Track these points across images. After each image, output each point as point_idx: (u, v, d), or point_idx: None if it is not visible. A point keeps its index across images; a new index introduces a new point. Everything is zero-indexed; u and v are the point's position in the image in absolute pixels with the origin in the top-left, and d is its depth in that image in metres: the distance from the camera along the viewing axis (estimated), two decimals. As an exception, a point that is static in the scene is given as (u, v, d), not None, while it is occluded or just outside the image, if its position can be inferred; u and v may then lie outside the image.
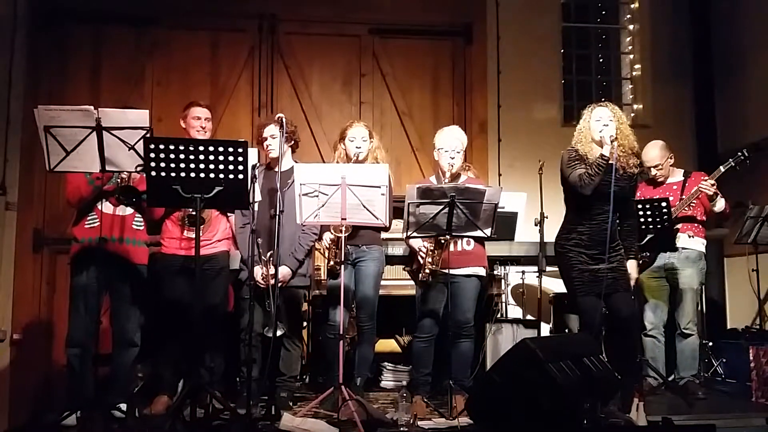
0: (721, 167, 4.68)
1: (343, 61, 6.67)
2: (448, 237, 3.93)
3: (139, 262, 4.04)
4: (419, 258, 4.15)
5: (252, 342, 3.87)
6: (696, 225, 4.76)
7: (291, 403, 4.15)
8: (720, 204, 4.70)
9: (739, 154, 4.65)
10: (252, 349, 3.88)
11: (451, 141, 4.22)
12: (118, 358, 3.96)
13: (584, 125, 3.97)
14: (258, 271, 4.02)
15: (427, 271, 4.05)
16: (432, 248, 4.03)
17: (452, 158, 4.17)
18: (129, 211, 3.99)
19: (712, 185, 4.60)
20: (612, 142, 3.78)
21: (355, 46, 6.67)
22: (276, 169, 4.02)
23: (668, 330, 4.78)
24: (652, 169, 4.75)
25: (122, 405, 3.81)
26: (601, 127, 3.87)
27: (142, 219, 4.06)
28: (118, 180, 3.85)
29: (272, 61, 6.51)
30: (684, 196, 4.70)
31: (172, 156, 3.40)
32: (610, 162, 3.77)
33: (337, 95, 6.65)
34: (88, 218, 3.95)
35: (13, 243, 5.96)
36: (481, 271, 4.25)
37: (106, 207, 3.92)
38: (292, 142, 4.32)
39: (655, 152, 4.76)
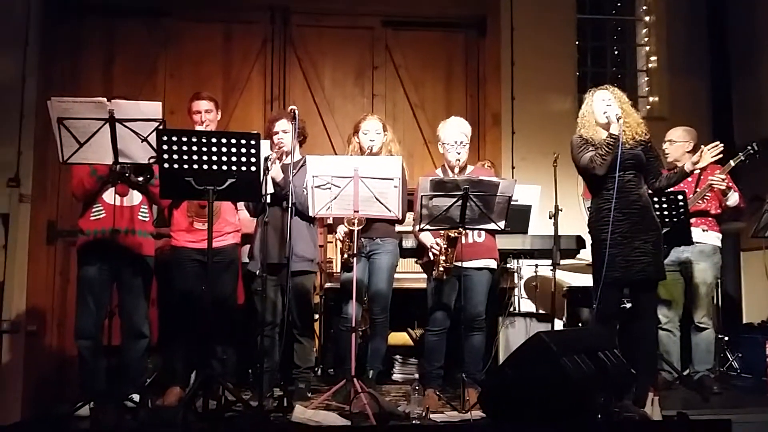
0: (731, 161, 4.61)
1: (355, 54, 6.64)
2: (459, 233, 3.90)
3: (146, 254, 4.01)
4: (431, 254, 4.11)
5: (265, 333, 3.87)
6: (710, 219, 4.71)
7: (309, 394, 4.15)
8: (734, 198, 4.64)
9: (749, 147, 4.54)
10: (265, 340, 3.89)
11: (455, 134, 4.15)
12: (128, 349, 3.96)
13: (587, 110, 3.95)
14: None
15: (441, 269, 4.02)
16: (445, 246, 3.99)
17: (459, 153, 4.12)
18: (135, 201, 3.97)
19: (723, 179, 4.54)
20: (618, 119, 3.76)
21: (368, 38, 6.64)
22: (286, 162, 4.02)
23: (684, 325, 4.73)
24: (664, 143, 4.72)
25: (135, 396, 3.83)
26: (605, 108, 3.84)
27: (147, 210, 4.04)
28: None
29: (285, 54, 6.49)
30: (698, 189, 4.65)
31: (184, 148, 3.40)
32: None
33: (350, 88, 6.62)
34: (93, 210, 3.93)
35: (27, 235, 5.97)
36: (493, 264, 4.22)
37: (111, 198, 3.89)
38: (302, 137, 4.31)
39: (677, 131, 4.74)
